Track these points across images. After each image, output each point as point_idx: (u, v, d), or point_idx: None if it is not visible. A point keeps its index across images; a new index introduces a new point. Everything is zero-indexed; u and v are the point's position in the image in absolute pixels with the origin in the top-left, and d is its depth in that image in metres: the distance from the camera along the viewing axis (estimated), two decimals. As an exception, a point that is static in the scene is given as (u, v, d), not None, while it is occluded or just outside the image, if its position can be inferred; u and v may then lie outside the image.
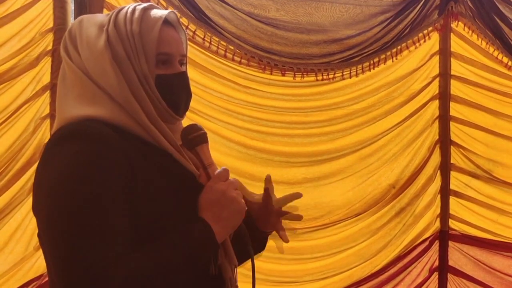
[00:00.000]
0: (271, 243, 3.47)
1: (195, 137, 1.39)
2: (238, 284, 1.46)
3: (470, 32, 3.72)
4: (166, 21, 1.40)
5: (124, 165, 1.27)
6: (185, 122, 1.48)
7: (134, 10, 1.39)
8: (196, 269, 1.28)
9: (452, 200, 3.98)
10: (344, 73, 3.42)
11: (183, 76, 1.43)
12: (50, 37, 2.69)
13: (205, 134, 1.41)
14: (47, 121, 2.70)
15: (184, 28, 1.47)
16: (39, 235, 1.33)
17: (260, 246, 1.68)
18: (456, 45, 3.84)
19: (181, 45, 1.43)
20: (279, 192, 1.64)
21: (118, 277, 1.18)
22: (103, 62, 1.33)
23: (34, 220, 1.31)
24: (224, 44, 3.04)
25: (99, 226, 1.20)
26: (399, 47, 3.57)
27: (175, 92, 1.41)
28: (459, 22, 3.71)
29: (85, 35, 1.37)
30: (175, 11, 1.48)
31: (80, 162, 1.24)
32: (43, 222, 1.26)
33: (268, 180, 1.63)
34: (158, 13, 1.40)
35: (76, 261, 1.18)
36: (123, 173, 1.26)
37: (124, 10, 1.39)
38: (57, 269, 1.22)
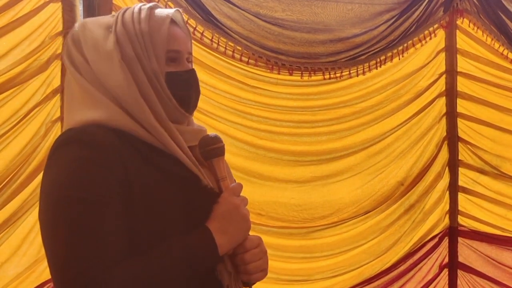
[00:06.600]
0: (281, 242, 3.47)
1: (214, 149, 1.39)
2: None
3: (475, 28, 3.73)
4: (171, 20, 1.40)
5: (120, 170, 1.25)
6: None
7: (140, 9, 1.39)
8: (193, 280, 1.27)
9: (461, 196, 3.99)
10: (351, 72, 3.43)
11: (193, 73, 1.44)
12: (59, 41, 2.69)
13: (223, 147, 1.41)
14: (58, 124, 2.70)
15: (191, 28, 1.47)
16: None
17: None
18: (461, 41, 3.84)
19: (188, 43, 1.44)
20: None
21: (111, 284, 1.18)
22: (111, 63, 1.33)
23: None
24: (232, 44, 3.05)
25: (92, 233, 1.20)
26: (405, 45, 3.58)
27: (185, 89, 1.41)
28: (464, 19, 3.72)
29: (90, 37, 1.36)
30: (179, 9, 1.48)
31: (74, 169, 1.24)
32: (41, 227, 1.26)
33: None
34: (164, 11, 1.41)
35: (69, 267, 1.18)
36: (118, 179, 1.25)
37: (130, 10, 1.39)
38: (52, 273, 1.23)
